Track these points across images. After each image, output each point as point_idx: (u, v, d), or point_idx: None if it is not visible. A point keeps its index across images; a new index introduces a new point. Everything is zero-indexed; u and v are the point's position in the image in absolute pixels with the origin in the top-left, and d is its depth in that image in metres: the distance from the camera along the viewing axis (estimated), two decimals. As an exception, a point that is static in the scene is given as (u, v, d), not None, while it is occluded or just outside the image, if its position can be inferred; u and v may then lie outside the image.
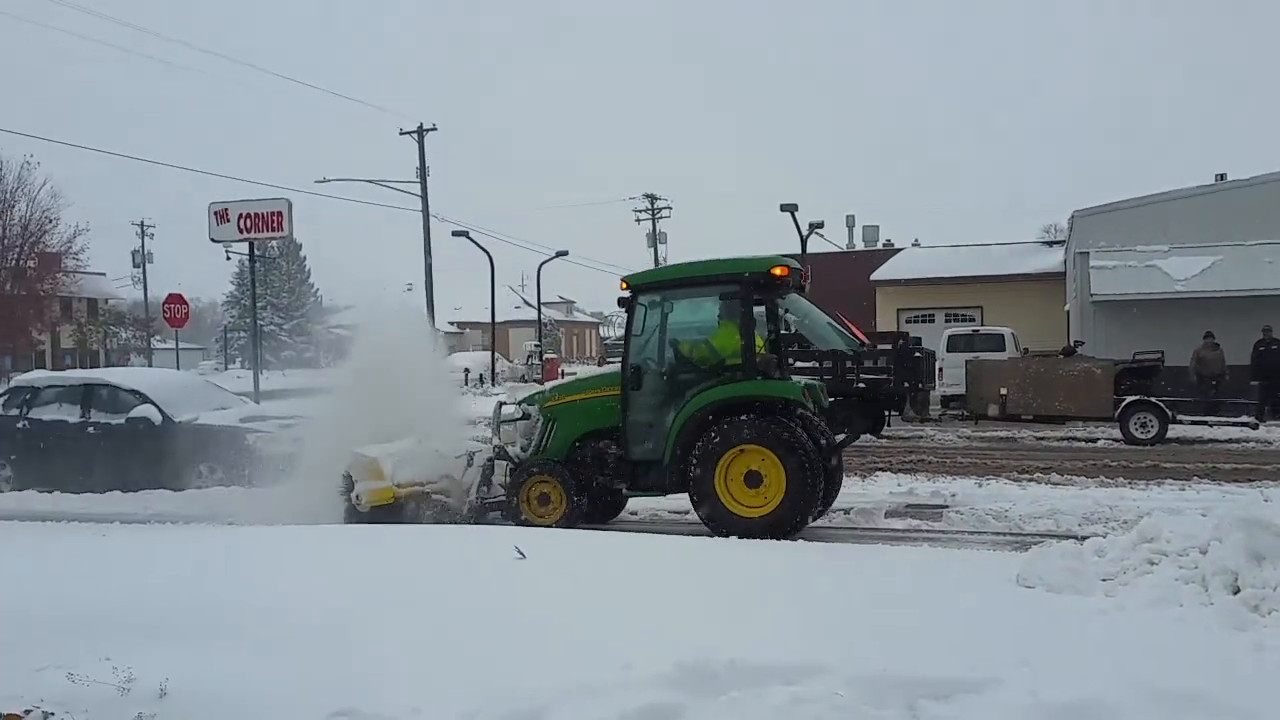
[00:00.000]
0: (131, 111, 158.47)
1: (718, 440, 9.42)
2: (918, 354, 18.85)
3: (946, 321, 32.19)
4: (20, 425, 14.54)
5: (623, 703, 4.56)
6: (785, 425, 9.39)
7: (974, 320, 31.84)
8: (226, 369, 69.45)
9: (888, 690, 4.64)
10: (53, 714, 4.84)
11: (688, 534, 9.66)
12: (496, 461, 10.79)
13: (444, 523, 10.24)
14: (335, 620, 5.75)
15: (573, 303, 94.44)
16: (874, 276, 34.79)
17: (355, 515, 10.12)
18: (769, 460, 9.34)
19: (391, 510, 10.15)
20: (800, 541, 8.75)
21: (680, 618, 5.72)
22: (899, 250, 40.46)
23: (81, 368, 43.03)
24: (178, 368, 29.32)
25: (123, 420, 14.07)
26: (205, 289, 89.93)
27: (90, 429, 14.21)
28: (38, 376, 16.16)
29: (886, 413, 19.27)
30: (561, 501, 10.12)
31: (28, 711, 4.86)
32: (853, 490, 12.54)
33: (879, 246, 46.46)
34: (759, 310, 9.99)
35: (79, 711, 4.85)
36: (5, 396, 15.23)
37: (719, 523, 9.36)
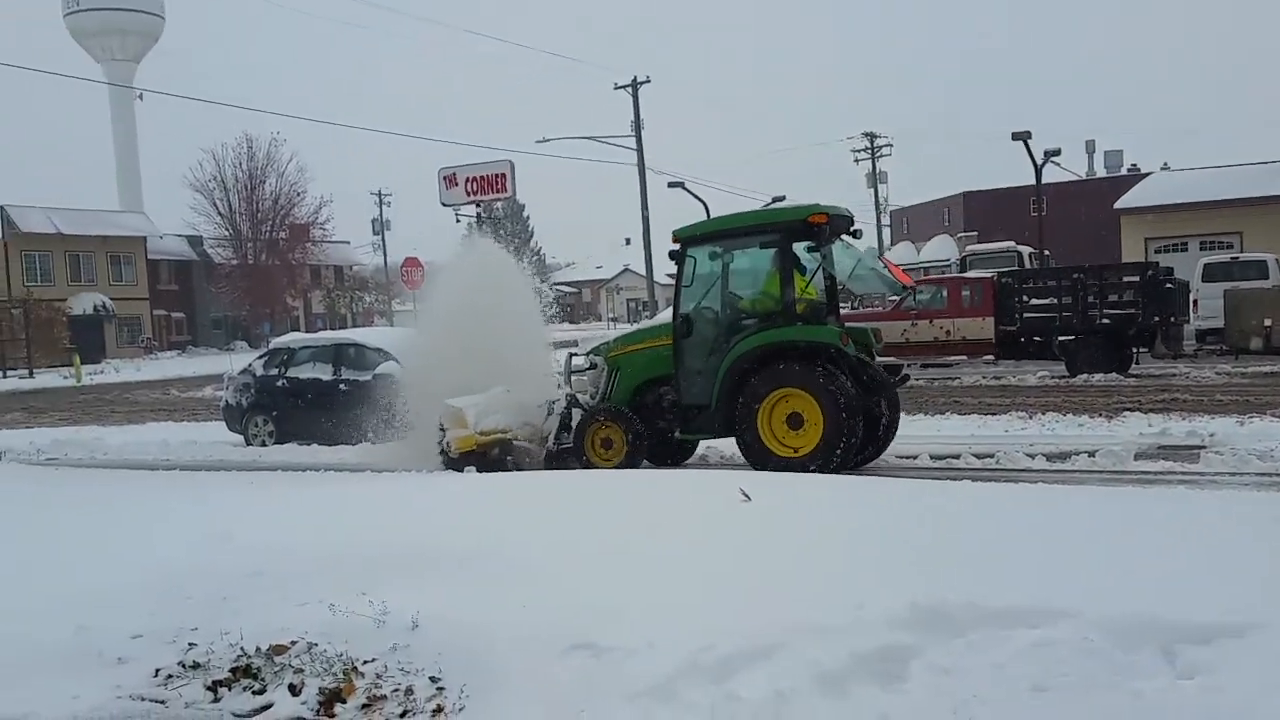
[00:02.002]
0: (366, 84, 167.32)
1: (759, 384, 9.88)
2: (1169, 285, 17.57)
3: (1201, 250, 29.82)
4: (279, 384, 15.67)
5: (855, 643, 4.47)
6: (824, 369, 9.77)
7: (1232, 247, 29.35)
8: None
9: (1140, 634, 4.33)
10: (316, 644, 5.18)
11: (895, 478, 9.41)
12: (571, 409, 11.36)
13: (524, 467, 11.13)
14: (560, 559, 5.92)
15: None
16: (1118, 205, 32.59)
17: (449, 461, 11.08)
18: (808, 403, 9.74)
19: (477, 456, 10.98)
20: (1037, 485, 8.34)
21: (911, 560, 5.55)
22: (1145, 175, 37.69)
23: (330, 330, 46.09)
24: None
25: (369, 376, 14.86)
26: (438, 251, 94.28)
27: (341, 385, 15.13)
28: (293, 338, 17.34)
29: (1134, 349, 18.10)
30: (623, 445, 10.65)
31: (294, 642, 5.23)
32: (1099, 432, 11.87)
33: (1123, 172, 43.46)
34: (811, 257, 10.40)
35: (339, 641, 5.17)
36: (265, 358, 16.44)
37: (761, 462, 9.80)
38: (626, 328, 19.38)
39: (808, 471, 9.25)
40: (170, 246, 65.00)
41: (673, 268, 10.83)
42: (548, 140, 39.25)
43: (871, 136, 55.82)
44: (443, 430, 11.20)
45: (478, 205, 24.36)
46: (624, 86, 41.48)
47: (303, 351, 15.99)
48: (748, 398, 9.90)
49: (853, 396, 9.70)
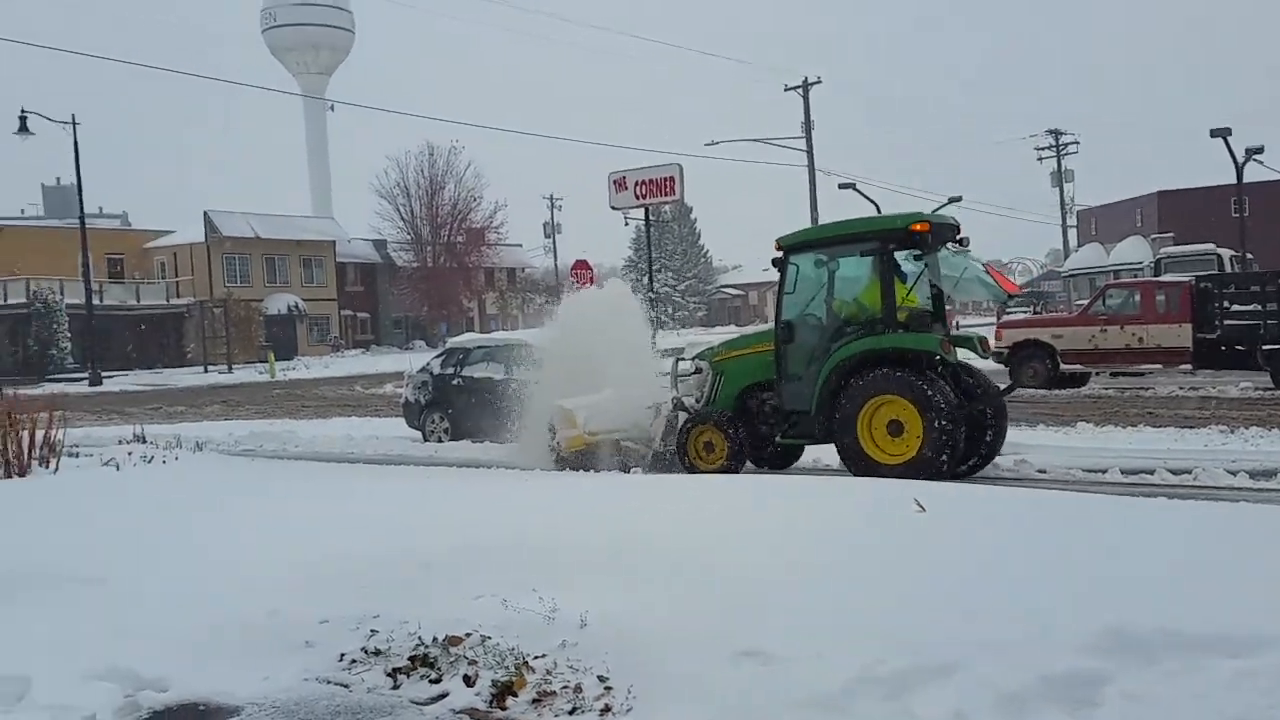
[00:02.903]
0: (537, 90, 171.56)
1: (859, 391, 9.87)
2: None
3: None
4: (455, 382, 16.18)
5: (1041, 665, 4.26)
6: (923, 376, 9.67)
7: None
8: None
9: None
10: (489, 637, 5.31)
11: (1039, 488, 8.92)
12: (678, 412, 11.55)
13: (630, 468, 11.18)
14: (717, 560, 5.90)
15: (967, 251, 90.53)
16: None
17: (560, 460, 11.51)
18: (908, 410, 9.66)
19: (586, 455, 11.36)
20: (1239, 504, 7.78)
21: (1096, 579, 5.25)
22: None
23: (502, 330, 47.32)
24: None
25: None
26: (607, 254, 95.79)
27: (512, 384, 15.48)
28: (468, 339, 17.86)
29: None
30: (724, 449, 10.77)
31: (468, 634, 5.36)
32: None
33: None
34: (915, 266, 10.39)
35: (511, 636, 5.27)
36: (442, 357, 17.00)
37: (861, 469, 9.74)
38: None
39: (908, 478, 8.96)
40: (357, 250, 68.16)
41: None
42: (716, 143, 39.41)
43: (1057, 134, 53.63)
44: (553, 431, 11.64)
45: (646, 208, 24.55)
46: (794, 88, 41.16)
47: (476, 351, 16.46)
48: (847, 404, 9.91)
49: (954, 404, 9.62)
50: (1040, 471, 10.73)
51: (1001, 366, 19.47)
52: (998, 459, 10.60)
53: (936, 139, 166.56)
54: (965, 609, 4.88)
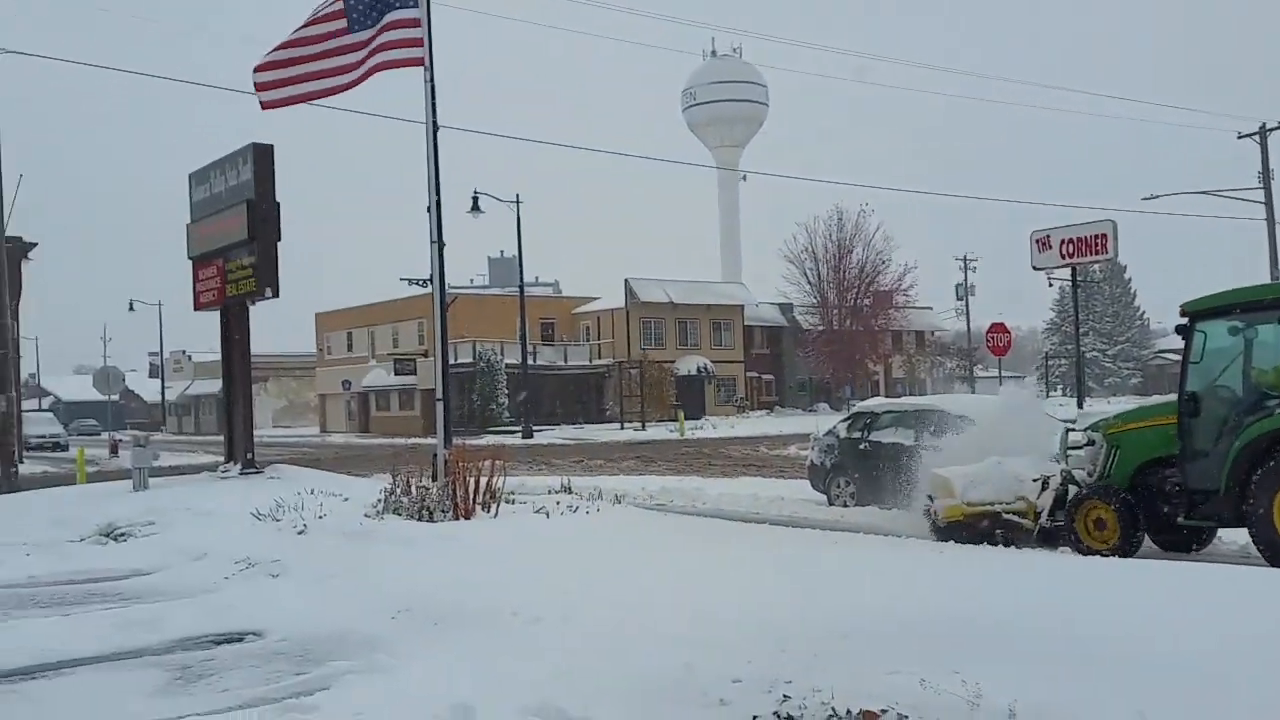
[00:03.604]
0: (946, 148, 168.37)
1: (1275, 471, 8.95)
2: None
3: None
4: (861, 446, 15.91)
5: None
6: None
7: None
8: (1047, 396, 69.48)
9: None
10: (906, 716, 5.02)
11: None
12: (1067, 486, 10.92)
13: (1013, 544, 10.59)
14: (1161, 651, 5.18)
15: None
16: None
17: (937, 530, 11.08)
18: None
19: (964, 527, 10.84)
20: None
21: None
22: None
23: (910, 395, 46.26)
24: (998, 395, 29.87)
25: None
26: (1025, 317, 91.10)
27: (922, 451, 14.98)
28: (876, 403, 17.57)
29: None
30: (1116, 527, 10.06)
31: (884, 710, 5.11)
32: None
33: None
34: None
35: (929, 718, 4.96)
36: (849, 421, 16.82)
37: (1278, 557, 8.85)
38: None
39: None
40: (763, 314, 69.99)
41: None
42: (1154, 197, 36.16)
43: None
44: (930, 499, 11.33)
45: (1073, 268, 23.10)
46: (1249, 135, 37.11)
47: (885, 416, 16.14)
48: (1262, 485, 9.01)
49: None
50: (1229, 543, 10.26)
51: None
52: None
53: None
54: None
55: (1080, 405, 22.14)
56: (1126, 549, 9.97)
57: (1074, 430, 11.63)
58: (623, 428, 51.56)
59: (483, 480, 12.33)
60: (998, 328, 26.52)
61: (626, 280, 62.45)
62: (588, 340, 64.34)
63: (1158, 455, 10.29)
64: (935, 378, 69.34)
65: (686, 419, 48.85)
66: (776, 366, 71.74)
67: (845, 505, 15.77)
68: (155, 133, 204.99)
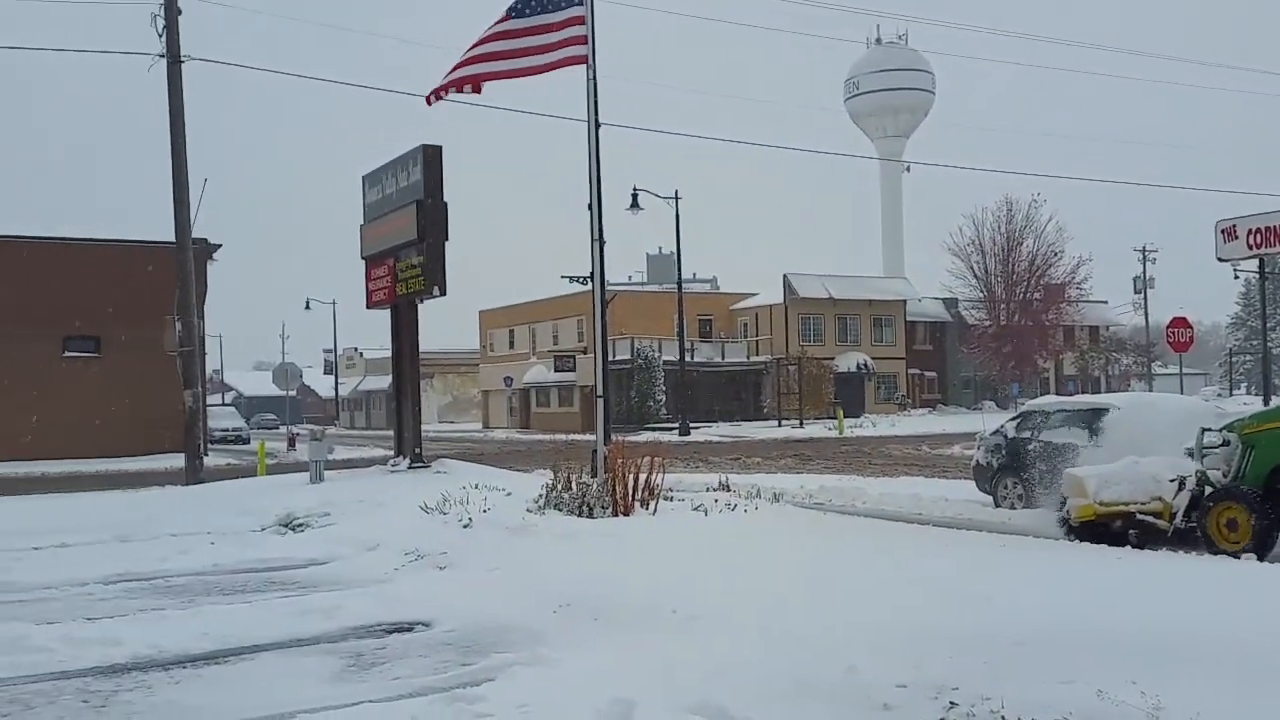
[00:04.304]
0: (1122, 134, 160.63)
1: None
2: None
3: None
4: (1031, 446, 15.30)
5: None
6: None
7: None
8: (1231, 394, 65.57)
9: None
10: (1082, 728, 4.82)
11: None
12: (1203, 487, 10.61)
13: (1146, 545, 10.43)
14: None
15: None
16: None
17: (1069, 530, 10.99)
18: None
19: (1098, 527, 10.68)
20: None
21: None
22: None
23: (1083, 393, 44.35)
24: (1180, 393, 28.40)
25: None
26: (1209, 311, 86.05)
27: (1098, 452, 14.31)
28: (1048, 401, 16.89)
29: None
30: (1249, 529, 9.75)
31: (1057, 721, 4.91)
32: None
33: None
34: None
35: (1108, 730, 4.75)
36: (1018, 419, 16.21)
37: None
38: None
39: None
40: (926, 309, 68.23)
41: None
42: (1352, 181, 33.65)
43: None
44: (1064, 500, 11.28)
45: (1261, 259, 21.71)
46: None
47: (1056, 415, 15.49)
48: None
49: None
50: None
51: None
52: None
53: None
54: None
55: (1266, 404, 20.81)
56: (1260, 551, 9.66)
57: (1210, 430, 11.25)
58: (780, 425, 51.17)
59: (642, 477, 12.43)
60: (1179, 322, 25.17)
61: (785, 276, 61.89)
62: (745, 337, 64.05)
63: None
64: (1110, 374, 66.25)
65: (845, 417, 48.11)
66: (940, 363, 69.84)
67: (1013, 507, 15.19)
68: (332, 136, 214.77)
